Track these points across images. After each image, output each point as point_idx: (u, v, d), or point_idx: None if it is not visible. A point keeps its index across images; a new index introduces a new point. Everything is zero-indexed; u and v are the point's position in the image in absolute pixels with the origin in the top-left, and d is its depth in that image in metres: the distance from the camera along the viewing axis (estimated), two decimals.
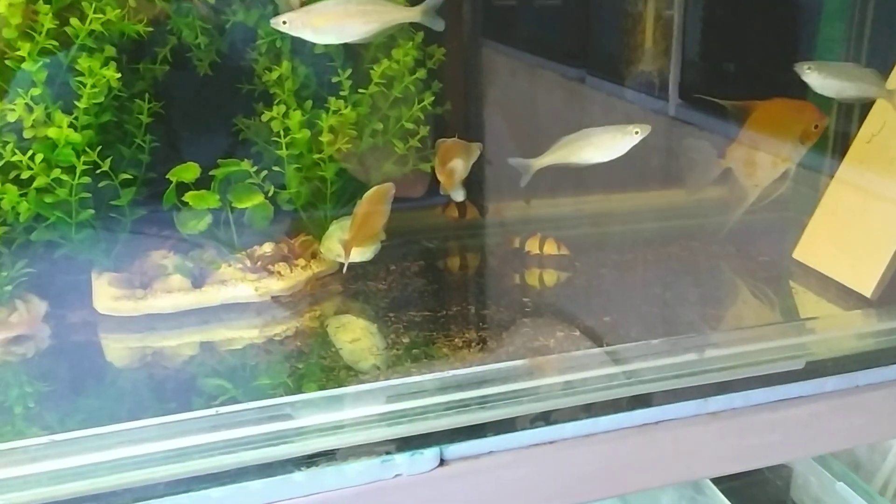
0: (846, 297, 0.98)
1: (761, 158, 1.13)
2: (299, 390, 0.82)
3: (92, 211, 0.91)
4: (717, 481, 1.47)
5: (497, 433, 0.77)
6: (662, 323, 0.95)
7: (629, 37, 1.64)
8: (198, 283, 0.98)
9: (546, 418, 0.78)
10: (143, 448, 0.70)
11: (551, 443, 0.79)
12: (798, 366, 0.84)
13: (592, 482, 0.81)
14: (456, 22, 1.49)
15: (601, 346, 0.87)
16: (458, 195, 1.03)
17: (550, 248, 1.12)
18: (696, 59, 1.68)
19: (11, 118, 0.85)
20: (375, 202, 1.00)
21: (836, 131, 1.28)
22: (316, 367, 0.87)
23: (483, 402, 0.78)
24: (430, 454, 0.75)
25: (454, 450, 0.76)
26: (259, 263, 1.00)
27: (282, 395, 0.80)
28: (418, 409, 0.77)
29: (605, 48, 1.69)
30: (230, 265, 0.99)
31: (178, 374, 0.89)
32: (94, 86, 0.88)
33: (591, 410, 0.80)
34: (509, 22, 1.82)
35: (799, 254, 1.06)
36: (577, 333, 0.90)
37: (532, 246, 1.13)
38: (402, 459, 0.74)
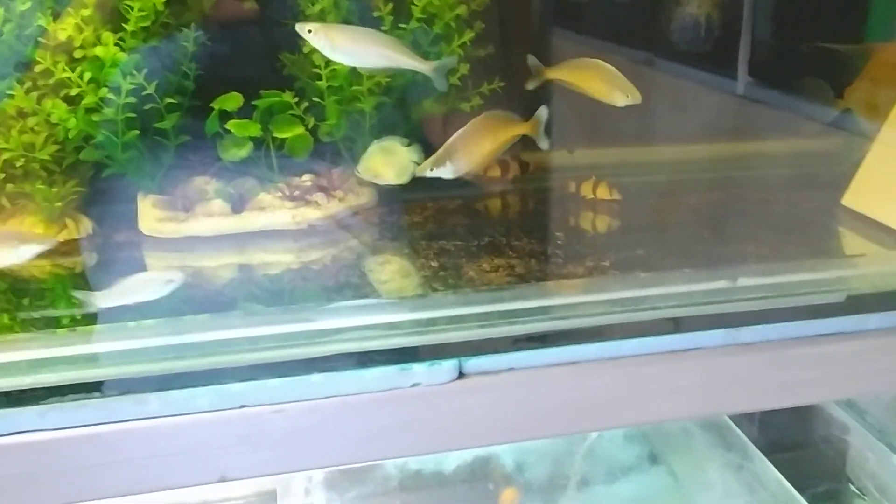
0: (893, 239, 0.94)
1: (884, 98, 1.11)
2: (324, 302, 0.83)
3: (137, 131, 0.95)
4: (768, 451, 1.43)
5: (518, 350, 0.77)
6: (699, 257, 0.92)
7: (696, 16, 1.60)
8: (237, 208, 1.00)
9: (569, 337, 0.78)
10: (166, 340, 0.72)
11: (573, 363, 0.78)
12: (838, 299, 0.81)
13: (614, 407, 0.79)
14: (522, 9, 1.50)
15: (633, 272, 0.85)
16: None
17: (603, 193, 1.11)
18: (766, 37, 1.64)
19: (62, 37, 0.89)
20: (486, 128, 0.99)
21: None
22: (345, 286, 0.88)
23: (505, 317, 0.78)
24: (448, 366, 0.75)
25: (474, 363, 0.76)
26: (297, 192, 1.02)
27: (318, 302, 0.81)
28: (439, 320, 0.77)
29: (671, 28, 1.65)
30: (269, 193, 1.01)
31: (213, 289, 0.91)
32: (141, 10, 0.92)
33: (616, 332, 0.78)
34: (575, 8, 1.81)
35: (848, 200, 1.03)
36: (608, 264, 0.88)
37: (586, 190, 1.12)
38: (420, 369, 0.74)
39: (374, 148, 1.04)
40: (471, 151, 0.98)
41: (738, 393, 0.82)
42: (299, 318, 0.76)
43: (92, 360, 0.72)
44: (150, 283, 0.79)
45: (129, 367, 0.70)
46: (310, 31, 0.93)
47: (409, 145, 1.06)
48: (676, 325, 0.79)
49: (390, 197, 1.08)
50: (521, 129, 1.01)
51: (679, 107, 1.78)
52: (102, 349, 0.72)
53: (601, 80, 1.02)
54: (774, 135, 1.53)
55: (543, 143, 1.00)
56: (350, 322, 0.77)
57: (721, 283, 0.81)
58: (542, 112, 0.99)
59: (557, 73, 1.04)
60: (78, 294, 0.80)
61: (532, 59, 1.04)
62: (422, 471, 1.42)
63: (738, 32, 1.63)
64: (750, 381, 0.82)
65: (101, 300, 0.78)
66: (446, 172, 0.98)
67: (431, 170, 0.98)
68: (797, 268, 0.86)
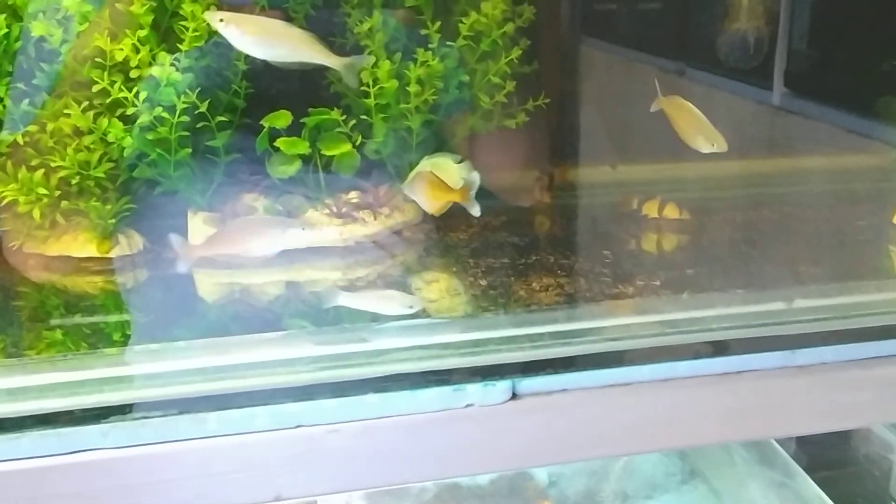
0: None
1: None
2: (376, 321, 0.83)
3: (189, 150, 0.96)
4: (810, 469, 1.41)
5: (571, 370, 0.76)
6: (754, 277, 0.92)
7: (730, 25, 1.59)
8: None
9: (622, 359, 0.78)
10: (224, 359, 0.73)
11: (626, 384, 0.77)
12: (893, 321, 0.80)
13: (667, 429, 0.79)
14: (554, 16, 1.50)
15: (684, 292, 0.85)
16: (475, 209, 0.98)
17: (672, 212, 1.10)
18: (803, 47, 1.63)
19: (119, 57, 0.90)
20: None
21: None
22: None
23: (559, 338, 0.78)
24: (502, 386, 0.75)
25: (527, 384, 0.76)
26: (344, 210, 1.03)
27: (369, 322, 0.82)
28: (493, 341, 0.77)
29: (705, 38, 1.65)
30: (317, 210, 1.02)
31: (262, 306, 0.92)
32: (195, 30, 0.93)
33: (669, 354, 0.78)
34: (608, 16, 1.81)
35: None
36: (658, 283, 0.88)
37: (650, 209, 1.12)
38: (474, 389, 0.74)
39: (425, 163, 1.04)
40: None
41: (793, 416, 0.81)
42: (354, 338, 0.76)
43: (152, 379, 0.72)
44: (392, 300, 0.82)
45: (188, 387, 0.71)
46: (221, 21, 0.92)
47: (460, 161, 1.05)
48: (730, 347, 0.79)
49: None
50: (453, 196, 0.98)
51: (715, 119, 1.77)
52: (161, 369, 0.73)
53: (688, 125, 1.02)
54: (816, 148, 1.52)
55: (475, 210, 0.96)
56: (403, 342, 0.77)
57: (777, 305, 0.80)
58: (474, 178, 0.97)
59: (665, 105, 1.04)
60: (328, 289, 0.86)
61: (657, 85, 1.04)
62: (458, 483, 1.42)
63: (774, 42, 1.62)
64: (805, 404, 0.81)
65: (344, 299, 0.82)
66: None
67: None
68: (851, 289, 0.85)
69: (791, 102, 1.60)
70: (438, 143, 1.07)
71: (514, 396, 0.75)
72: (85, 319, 0.86)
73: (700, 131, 1.02)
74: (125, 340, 0.81)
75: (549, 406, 0.76)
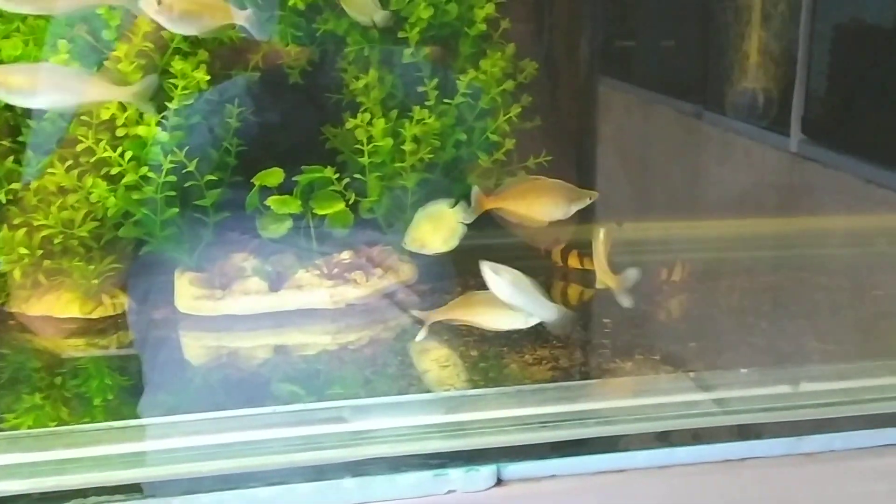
0: None
1: None
2: (360, 396, 0.80)
3: (177, 209, 0.93)
4: None
5: (561, 455, 0.72)
6: (758, 353, 0.87)
7: (741, 82, 1.56)
8: (275, 286, 0.98)
9: (617, 444, 0.73)
10: (194, 440, 0.69)
11: (621, 471, 0.73)
12: None
13: None
14: (573, 59, 1.49)
15: (684, 371, 0.81)
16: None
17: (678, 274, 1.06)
18: (821, 94, 1.59)
19: (105, 116, 0.89)
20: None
21: None
22: (382, 374, 0.85)
23: (547, 420, 0.73)
24: (486, 472, 0.70)
25: (513, 469, 0.71)
26: (336, 270, 1.00)
27: (344, 399, 0.78)
28: (477, 423, 0.73)
29: (721, 83, 1.62)
30: (308, 271, 0.99)
31: (247, 374, 0.89)
32: (184, 88, 0.91)
33: (667, 439, 0.73)
34: (626, 59, 1.79)
35: None
36: (658, 358, 0.84)
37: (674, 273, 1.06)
38: (456, 475, 0.70)
39: (420, 216, 1.01)
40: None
41: None
42: (332, 417, 0.73)
43: (117, 459, 0.69)
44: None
45: (154, 470, 0.68)
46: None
47: (454, 205, 1.02)
48: (734, 432, 0.74)
49: (432, 273, 1.05)
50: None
51: (730, 168, 1.74)
52: (126, 449, 0.69)
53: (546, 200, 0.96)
54: (832, 200, 1.47)
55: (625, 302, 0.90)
56: (383, 423, 0.73)
57: (783, 388, 0.75)
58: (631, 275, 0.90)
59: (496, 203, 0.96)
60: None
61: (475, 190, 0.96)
62: None
63: (792, 89, 1.58)
64: (813, 495, 0.76)
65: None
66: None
67: None
68: (864, 371, 0.80)
69: (809, 149, 1.56)
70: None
71: (500, 482, 0.71)
72: (56, 389, 0.83)
73: (564, 198, 0.94)
74: (97, 414, 0.78)
75: (537, 494, 0.71)
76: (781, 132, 1.59)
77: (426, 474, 0.70)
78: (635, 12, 1.81)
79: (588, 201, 0.95)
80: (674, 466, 0.73)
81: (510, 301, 0.85)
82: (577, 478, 0.72)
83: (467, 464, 0.70)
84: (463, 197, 1.06)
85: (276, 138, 1.05)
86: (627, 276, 0.89)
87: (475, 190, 0.96)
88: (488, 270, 0.84)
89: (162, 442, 0.70)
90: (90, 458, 0.69)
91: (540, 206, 0.95)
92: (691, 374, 0.79)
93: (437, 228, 1.02)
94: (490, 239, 1.16)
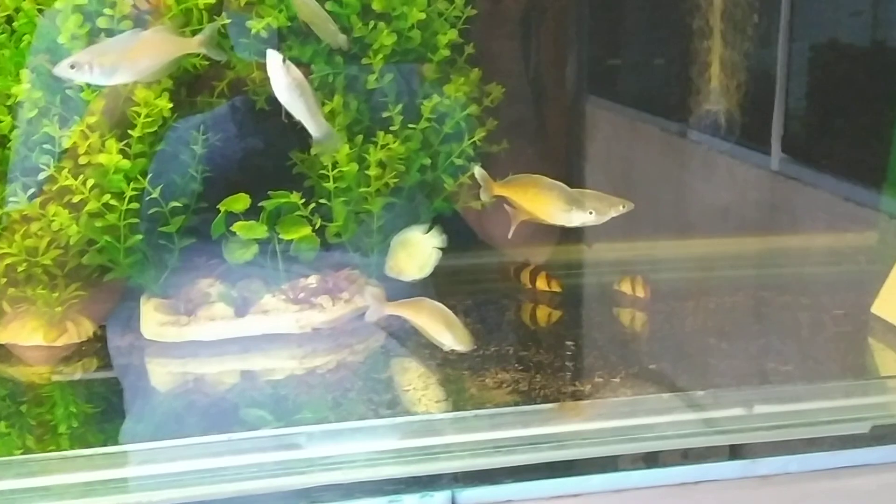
0: None
1: None
2: (320, 421, 0.80)
3: (140, 236, 0.94)
4: None
5: (516, 480, 0.72)
6: (716, 375, 0.87)
7: (715, 112, 1.58)
8: (241, 312, 0.98)
9: (571, 468, 0.73)
10: (146, 469, 0.69)
11: (576, 495, 0.73)
12: (863, 429, 0.75)
13: None
14: (559, 76, 1.50)
15: (642, 394, 0.81)
16: None
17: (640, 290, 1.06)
18: (800, 113, 1.61)
19: (67, 144, 0.89)
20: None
21: None
22: (344, 400, 0.85)
23: (502, 445, 0.73)
24: (440, 497, 0.70)
25: (468, 495, 0.71)
26: (302, 295, 1.00)
27: (301, 425, 0.78)
28: (432, 449, 0.73)
29: (703, 102, 1.63)
30: (274, 295, 0.99)
31: (211, 400, 0.89)
32: (147, 115, 0.92)
33: (622, 463, 0.73)
34: (610, 78, 1.80)
35: (878, 308, 0.96)
36: (618, 380, 0.84)
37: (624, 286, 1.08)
38: (410, 501, 0.70)
39: (395, 243, 1.02)
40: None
41: None
42: (287, 444, 0.73)
43: (72, 490, 0.69)
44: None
45: (107, 499, 0.67)
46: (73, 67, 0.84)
47: (428, 230, 1.03)
48: (688, 456, 0.74)
49: (403, 295, 1.05)
50: None
51: (712, 186, 1.74)
52: (75, 479, 0.69)
53: (549, 200, 0.94)
54: (809, 218, 1.48)
55: None
56: (338, 449, 0.73)
57: (737, 411, 0.75)
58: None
59: (504, 190, 0.96)
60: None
61: (478, 172, 0.96)
62: None
63: (771, 108, 1.59)
64: None
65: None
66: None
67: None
68: (820, 392, 0.80)
69: (789, 168, 1.57)
70: (402, 226, 1.04)
71: None
72: (20, 417, 0.83)
73: (567, 202, 0.93)
74: (54, 442, 0.78)
75: None
76: (763, 151, 1.60)
77: (380, 501, 0.70)
78: (620, 31, 1.83)
79: (621, 209, 0.94)
80: (629, 490, 0.73)
81: (284, 100, 0.87)
82: (532, 502, 0.72)
83: (422, 490, 0.70)
84: (432, 220, 1.07)
85: (242, 165, 1.06)
86: None
87: (481, 172, 0.96)
88: (274, 60, 0.84)
89: (117, 471, 0.70)
90: (43, 488, 0.68)
91: (541, 202, 0.94)
92: (649, 396, 0.79)
93: (412, 255, 1.03)
94: (465, 260, 1.18)
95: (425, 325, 0.90)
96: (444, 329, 0.88)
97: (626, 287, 1.07)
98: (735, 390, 0.80)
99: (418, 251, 1.03)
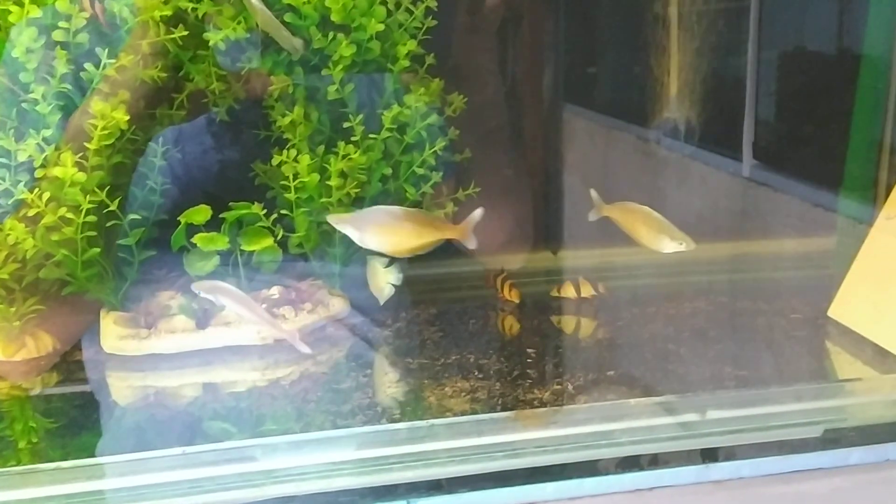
0: (882, 359, 0.88)
1: None
2: (275, 434, 0.79)
3: (98, 249, 0.93)
4: None
5: (471, 490, 0.72)
6: (673, 380, 0.88)
7: (674, 120, 1.60)
8: (202, 324, 0.98)
9: (524, 475, 0.73)
10: (102, 484, 0.69)
11: None
12: (816, 433, 0.76)
13: None
14: (535, 85, 1.51)
15: (597, 401, 0.81)
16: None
17: (587, 290, 1.09)
18: (770, 119, 1.62)
19: (22, 157, 0.89)
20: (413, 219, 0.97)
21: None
22: (303, 411, 0.84)
23: (457, 454, 0.73)
24: None
25: None
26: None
27: (257, 438, 0.78)
28: (387, 459, 0.73)
29: (675, 109, 1.65)
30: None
31: (171, 414, 0.88)
32: (104, 128, 0.91)
33: (575, 471, 0.74)
34: (586, 85, 1.82)
35: (834, 311, 0.97)
36: (573, 388, 0.84)
37: (567, 291, 1.10)
38: None
39: (373, 262, 1.03)
40: (385, 231, 0.96)
41: None
42: (242, 457, 0.72)
43: None
44: None
45: None
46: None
47: (389, 265, 1.03)
48: (641, 462, 0.74)
49: (365, 306, 1.06)
50: (451, 232, 0.97)
51: (683, 193, 1.76)
52: (17, 496, 0.68)
53: (648, 227, 1.01)
54: (777, 224, 1.49)
55: (471, 244, 0.96)
56: (292, 461, 0.73)
57: (690, 416, 0.76)
58: (476, 214, 0.95)
59: (611, 212, 1.04)
60: None
61: (594, 194, 1.05)
62: None
63: (742, 115, 1.61)
64: None
65: None
66: (352, 234, 0.96)
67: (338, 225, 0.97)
68: (773, 397, 0.81)
69: (760, 174, 1.58)
70: None
71: None
72: None
73: (662, 231, 1.00)
74: (13, 457, 0.77)
75: None
76: (735, 157, 1.62)
77: None
78: (594, 39, 1.85)
79: (680, 247, 1.00)
80: (583, 498, 0.73)
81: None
82: None
83: (377, 500, 0.70)
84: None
85: (204, 177, 1.06)
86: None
87: (594, 194, 1.05)
88: None
89: (73, 486, 0.70)
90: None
91: (645, 227, 1.02)
92: (604, 404, 0.80)
93: (371, 279, 1.04)
94: (444, 269, 1.18)
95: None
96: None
97: (568, 292, 1.09)
98: (690, 395, 0.81)
99: (375, 281, 1.05)
